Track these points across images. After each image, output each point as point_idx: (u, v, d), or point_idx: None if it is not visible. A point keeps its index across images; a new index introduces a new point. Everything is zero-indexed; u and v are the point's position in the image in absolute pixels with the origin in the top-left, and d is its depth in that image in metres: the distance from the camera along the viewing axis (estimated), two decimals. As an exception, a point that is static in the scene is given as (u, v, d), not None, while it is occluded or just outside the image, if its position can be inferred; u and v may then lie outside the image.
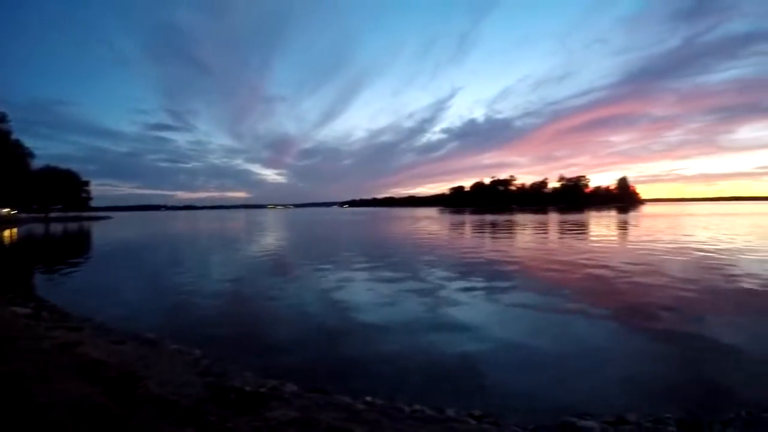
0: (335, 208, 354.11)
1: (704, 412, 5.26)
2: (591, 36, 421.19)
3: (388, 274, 15.89)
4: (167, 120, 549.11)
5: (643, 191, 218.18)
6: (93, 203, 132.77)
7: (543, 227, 43.67)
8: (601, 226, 45.88)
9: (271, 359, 7.38)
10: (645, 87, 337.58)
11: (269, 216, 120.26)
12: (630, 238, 30.90)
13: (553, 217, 66.76)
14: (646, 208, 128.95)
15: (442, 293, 12.51)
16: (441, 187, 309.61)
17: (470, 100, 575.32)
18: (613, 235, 33.19)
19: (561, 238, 31.30)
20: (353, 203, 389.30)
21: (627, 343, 8.38)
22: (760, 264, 17.47)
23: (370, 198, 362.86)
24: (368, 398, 5.58)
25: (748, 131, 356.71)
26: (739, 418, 4.94)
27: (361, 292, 12.97)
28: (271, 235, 39.90)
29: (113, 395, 4.36)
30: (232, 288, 13.91)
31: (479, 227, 45.59)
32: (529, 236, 32.90)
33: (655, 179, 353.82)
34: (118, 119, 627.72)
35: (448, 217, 75.52)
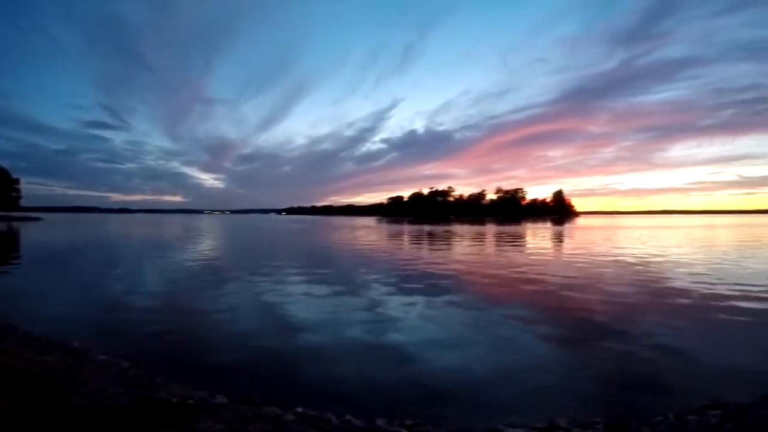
0: (273, 215, 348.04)
1: (633, 415, 5.27)
2: (532, 54, 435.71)
3: (324, 283, 15.63)
4: (104, 117, 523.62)
5: (578, 204, 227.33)
6: (23, 203, 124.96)
7: (480, 238, 44.11)
8: (538, 237, 47.11)
9: (202, 370, 7.13)
10: (582, 105, 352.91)
11: (206, 222, 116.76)
12: (565, 249, 31.89)
13: (491, 229, 67.71)
14: (580, 221, 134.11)
15: (378, 304, 12.40)
16: (380, 197, 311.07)
17: (411, 111, 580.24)
18: (548, 247, 34.06)
19: (498, 249, 31.73)
20: (291, 211, 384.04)
21: (559, 350, 8.49)
22: (687, 274, 18.32)
23: (308, 206, 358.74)
24: (299, 409, 5.42)
25: (679, 149, 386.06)
26: (666, 420, 5.03)
27: (297, 302, 12.66)
28: (207, 243, 38.63)
29: (34, 408, 4.26)
30: (165, 297, 13.38)
31: (417, 238, 45.71)
32: (467, 247, 33.09)
33: (589, 193, 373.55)
34: (52, 114, 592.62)
35: (387, 227, 75.42)
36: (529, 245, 35.45)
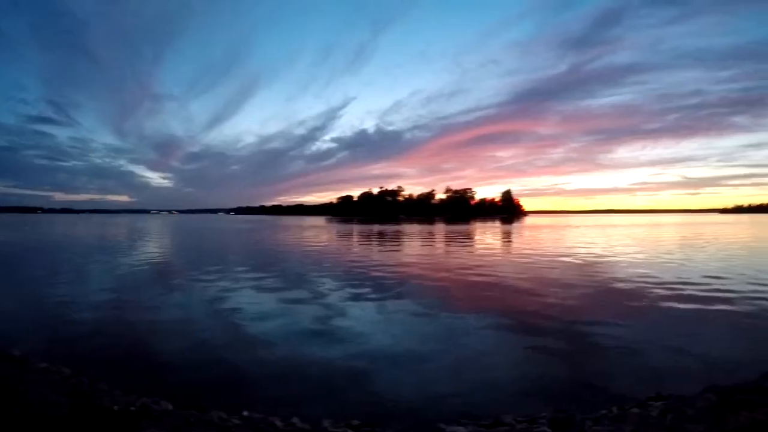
0: (222, 215, 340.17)
1: (577, 409, 5.32)
2: (484, 57, 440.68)
3: (273, 284, 15.55)
4: (48, 112, 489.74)
5: (526, 204, 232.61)
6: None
7: (431, 238, 44.30)
8: (487, 236, 47.88)
9: (147, 376, 6.98)
10: (532, 107, 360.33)
11: (153, 222, 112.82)
12: (514, 248, 32.36)
13: (441, 228, 68.03)
14: (528, 220, 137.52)
15: (328, 304, 12.37)
16: (329, 196, 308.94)
17: (362, 110, 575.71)
18: (498, 246, 34.58)
19: (448, 249, 31.85)
20: (240, 210, 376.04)
21: (509, 347, 8.65)
22: (633, 272, 18.82)
23: (257, 206, 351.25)
24: (245, 413, 5.36)
25: (624, 151, 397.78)
26: (609, 414, 5.10)
27: (246, 303, 12.50)
28: (154, 243, 37.46)
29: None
30: (109, 303, 12.78)
31: (367, 238, 45.57)
32: (418, 248, 33.15)
33: (538, 193, 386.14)
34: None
35: (336, 227, 74.91)
36: (479, 245, 35.81)
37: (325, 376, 7.04)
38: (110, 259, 24.79)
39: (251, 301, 12.92)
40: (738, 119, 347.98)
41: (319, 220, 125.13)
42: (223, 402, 5.72)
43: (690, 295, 13.59)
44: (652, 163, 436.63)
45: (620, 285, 15.50)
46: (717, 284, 15.53)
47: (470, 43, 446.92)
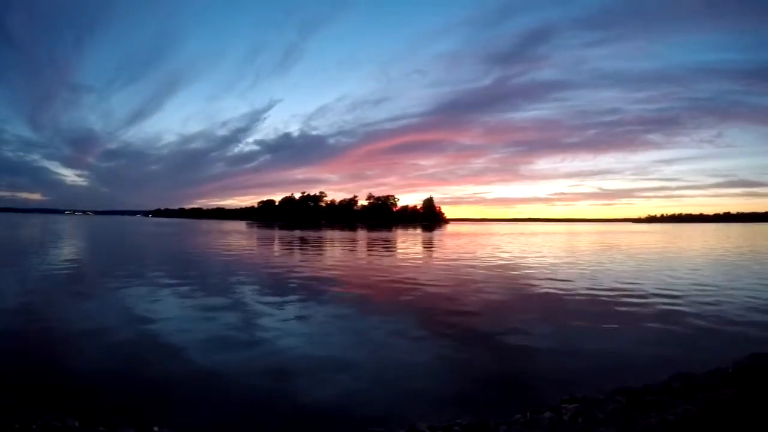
0: (140, 217, 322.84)
1: (492, 414, 5.33)
2: (411, 66, 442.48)
3: (191, 292, 14.85)
4: None
5: (447, 211, 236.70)
6: None
7: (353, 245, 44.27)
8: (408, 243, 48.48)
9: (53, 391, 6.38)
10: (456, 118, 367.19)
11: (67, 224, 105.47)
12: (434, 255, 32.84)
13: (363, 235, 68.13)
14: (450, 227, 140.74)
15: (247, 312, 11.98)
16: (251, 200, 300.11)
17: (287, 113, 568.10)
18: (419, 253, 35.11)
19: (370, 255, 31.89)
20: (159, 213, 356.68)
21: (424, 352, 8.63)
22: (548, 275, 19.70)
23: (177, 208, 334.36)
24: (155, 428, 5.02)
25: (544, 163, 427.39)
26: (523, 418, 5.06)
27: (162, 312, 11.82)
28: (67, 248, 34.61)
29: None
30: (12, 312, 11.73)
31: (289, 244, 44.79)
32: (340, 254, 33.05)
33: (459, 201, 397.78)
34: None
35: (257, 232, 73.48)
36: (400, 251, 36.14)
37: (241, 386, 6.75)
38: (16, 263, 22.96)
39: (167, 309, 12.27)
40: (652, 136, 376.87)
41: (240, 225, 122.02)
42: (134, 417, 5.32)
43: (602, 299, 14.15)
44: (570, 175, 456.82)
45: (536, 290, 15.90)
46: (627, 288, 16.24)
47: (398, 51, 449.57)
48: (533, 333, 10.07)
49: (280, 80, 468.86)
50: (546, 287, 16.59)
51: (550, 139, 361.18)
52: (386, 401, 6.28)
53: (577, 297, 14.57)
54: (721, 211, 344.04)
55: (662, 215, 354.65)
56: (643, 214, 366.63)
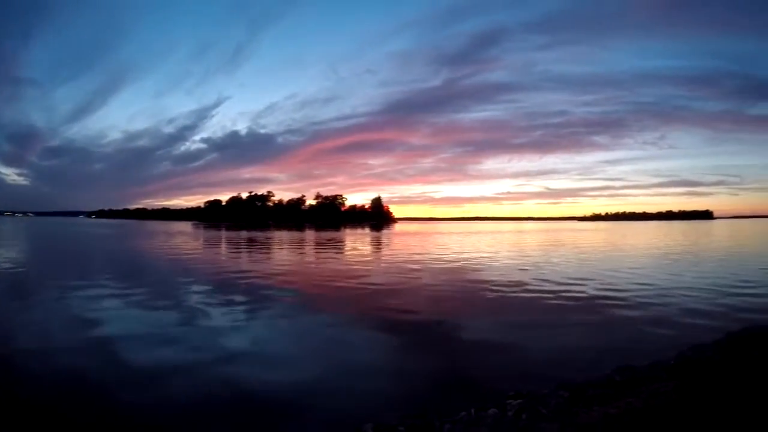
0: (82, 218, 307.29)
1: (437, 412, 5.30)
2: (361, 65, 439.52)
3: (135, 297, 14.05)
4: None
5: (396, 211, 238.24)
6: None
7: (301, 245, 43.73)
8: (356, 242, 48.35)
9: None
10: (405, 118, 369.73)
11: (5, 226, 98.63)
12: (381, 254, 33.07)
13: (311, 235, 67.47)
14: (397, 226, 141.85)
15: (194, 316, 11.54)
16: (197, 200, 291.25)
17: (235, 111, 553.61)
18: (366, 252, 35.08)
19: (319, 256, 31.59)
20: (102, 214, 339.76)
21: (372, 351, 8.63)
22: (495, 272, 20.07)
23: (121, 209, 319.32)
24: None
25: (491, 163, 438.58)
26: (468, 415, 5.06)
27: (110, 319, 11.12)
28: (2, 252, 32.63)
29: None
30: None
31: (236, 245, 44.04)
32: (287, 254, 32.77)
33: (407, 200, 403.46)
34: None
35: (204, 233, 71.68)
36: (348, 251, 36.13)
37: (192, 394, 6.48)
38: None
39: (111, 316, 11.56)
40: (597, 138, 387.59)
41: (186, 226, 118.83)
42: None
43: (547, 296, 14.45)
44: (517, 175, 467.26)
45: (483, 288, 16.02)
46: (572, 284, 16.63)
47: (348, 50, 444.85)
48: (480, 330, 10.12)
49: (228, 77, 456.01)
50: (492, 285, 16.73)
51: (498, 140, 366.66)
52: (333, 402, 6.21)
53: (523, 294, 14.81)
54: (663, 209, 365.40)
55: (606, 213, 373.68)
56: (588, 213, 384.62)
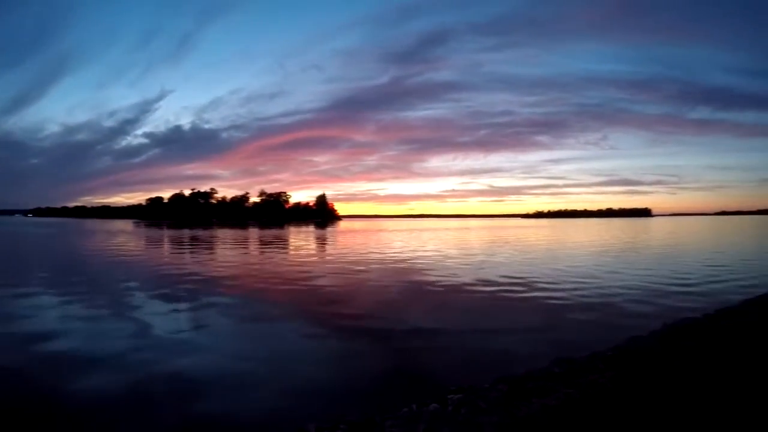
0: (19, 217, 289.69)
1: (380, 409, 5.29)
2: (308, 61, 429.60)
3: (74, 302, 13.28)
4: None
5: (340, 208, 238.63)
6: None
7: (244, 243, 43.38)
8: (300, 240, 47.94)
9: None
10: (351, 115, 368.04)
11: None
12: (326, 252, 33.02)
13: (256, 233, 66.51)
14: (342, 224, 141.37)
15: (136, 320, 10.98)
16: (138, 198, 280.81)
17: (179, 105, 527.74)
18: (310, 250, 34.79)
19: (261, 253, 31.46)
20: (40, 212, 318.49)
21: (318, 350, 8.59)
22: (438, 269, 20.19)
23: (59, 207, 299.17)
24: None
25: (436, 161, 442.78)
26: (410, 411, 5.05)
27: (47, 323, 10.54)
28: None
29: None
30: None
31: (179, 244, 42.81)
32: (231, 253, 32.16)
33: (352, 198, 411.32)
34: None
35: (145, 232, 69.46)
36: (292, 249, 35.90)
37: (134, 396, 6.32)
38: None
39: (55, 319, 11.04)
40: (540, 138, 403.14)
41: (127, 224, 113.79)
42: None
43: (490, 291, 14.72)
44: (462, 173, 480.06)
45: (427, 285, 16.20)
46: (515, 279, 16.97)
47: (296, 45, 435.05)
48: (424, 326, 10.19)
49: (173, 69, 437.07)
50: (437, 281, 16.92)
51: (443, 138, 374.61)
52: (276, 402, 6.13)
53: (466, 289, 14.99)
54: (604, 207, 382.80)
55: (549, 211, 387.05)
56: (531, 210, 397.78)
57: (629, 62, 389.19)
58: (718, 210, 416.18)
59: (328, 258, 27.60)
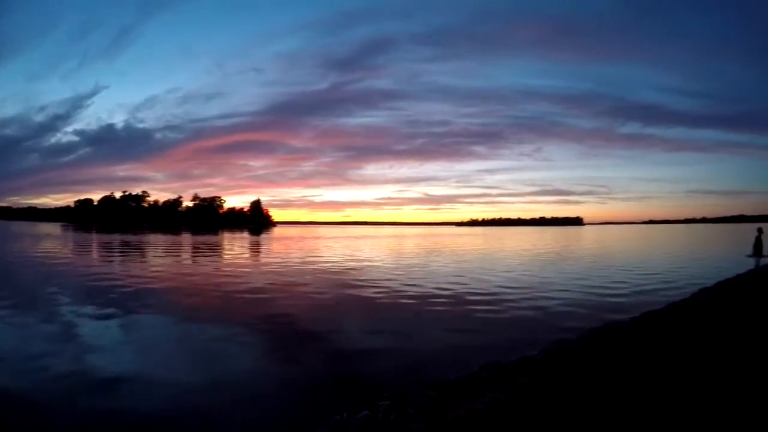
0: None
1: (312, 418, 5.29)
2: (248, 63, 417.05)
3: None
4: None
5: (275, 214, 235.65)
6: None
7: (177, 250, 42.40)
8: (235, 248, 47.22)
9: None
10: (288, 120, 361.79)
11: None
12: (260, 259, 32.71)
13: (189, 240, 64.71)
14: (277, 230, 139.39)
15: (64, 330, 10.60)
16: (67, 199, 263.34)
17: (113, 102, 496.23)
18: (244, 258, 34.45)
19: (194, 261, 30.95)
20: None
21: (252, 360, 8.48)
22: (373, 275, 20.80)
23: None
24: None
25: (372, 169, 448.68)
26: (341, 419, 5.02)
27: None
28: None
29: None
30: None
31: (109, 250, 41.01)
32: (161, 261, 31.35)
33: (287, 204, 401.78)
34: None
35: (74, 236, 66.25)
36: (225, 257, 35.50)
37: (64, 406, 6.15)
38: None
39: None
40: (476, 148, 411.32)
41: (54, 228, 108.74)
42: None
43: (423, 298, 15.02)
44: (398, 181, 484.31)
45: (361, 293, 16.33)
46: (448, 286, 17.41)
47: (235, 46, 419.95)
48: (358, 334, 10.32)
49: (108, 64, 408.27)
50: (372, 289, 17.06)
51: (380, 146, 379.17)
52: (207, 412, 6.03)
53: (400, 297, 15.19)
54: (537, 216, 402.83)
55: (483, 219, 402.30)
56: (466, 218, 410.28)
57: (564, 78, 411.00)
58: (647, 219, 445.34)
59: (264, 266, 27.26)
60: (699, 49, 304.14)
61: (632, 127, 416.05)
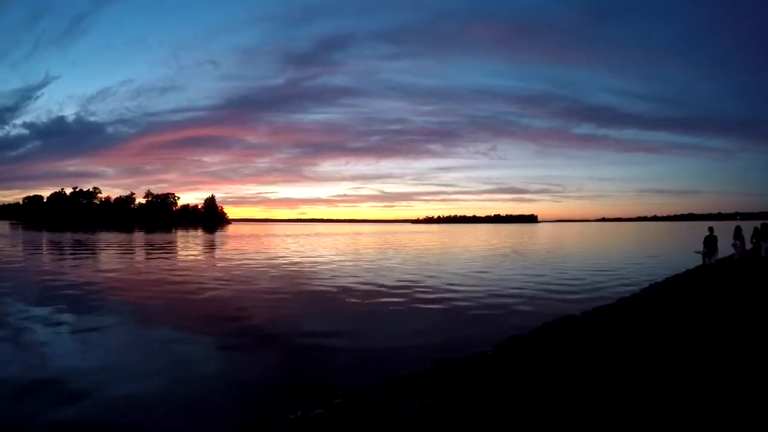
0: None
1: (268, 416, 5.35)
2: (204, 55, 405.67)
3: None
4: None
5: (230, 211, 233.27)
6: None
7: (129, 250, 41.44)
8: (189, 247, 46.66)
9: None
10: (244, 115, 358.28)
11: None
12: (215, 258, 32.50)
13: (142, 238, 63.07)
14: (232, 228, 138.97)
15: (14, 335, 10.23)
16: (16, 195, 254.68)
17: (64, 93, 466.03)
18: (199, 257, 34.25)
19: (147, 261, 30.36)
20: None
21: (209, 360, 8.48)
22: (328, 274, 20.97)
23: None
24: None
25: (328, 165, 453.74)
26: (296, 417, 5.02)
27: None
28: None
29: None
30: None
31: (60, 250, 39.54)
32: (113, 261, 30.41)
33: (242, 201, 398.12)
34: None
35: (22, 235, 63.96)
36: (182, 257, 34.99)
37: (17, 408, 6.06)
38: None
39: None
40: (432, 146, 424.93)
41: (3, 226, 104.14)
42: None
43: (380, 295, 15.19)
44: (354, 178, 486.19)
45: (317, 290, 16.46)
46: (403, 283, 17.68)
47: (192, 38, 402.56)
48: (315, 332, 10.35)
49: (60, 53, 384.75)
50: (327, 287, 17.23)
51: (336, 143, 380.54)
52: (166, 413, 5.97)
53: (356, 294, 15.30)
54: (492, 213, 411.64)
55: (439, 217, 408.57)
56: (422, 216, 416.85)
57: (520, 79, 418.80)
58: (599, 217, 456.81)
59: (218, 264, 27.10)
60: (652, 55, 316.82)
61: (586, 128, 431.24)
